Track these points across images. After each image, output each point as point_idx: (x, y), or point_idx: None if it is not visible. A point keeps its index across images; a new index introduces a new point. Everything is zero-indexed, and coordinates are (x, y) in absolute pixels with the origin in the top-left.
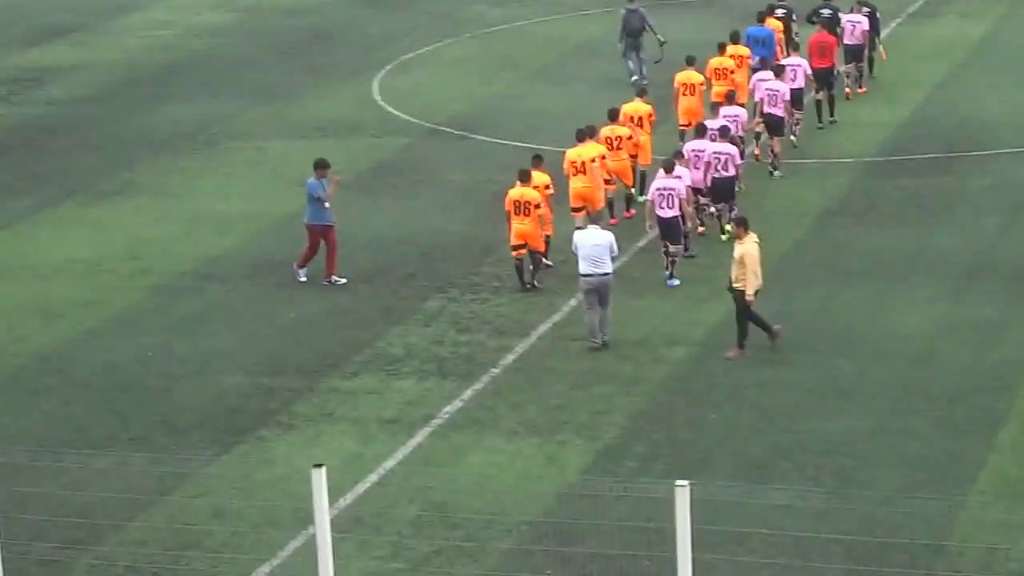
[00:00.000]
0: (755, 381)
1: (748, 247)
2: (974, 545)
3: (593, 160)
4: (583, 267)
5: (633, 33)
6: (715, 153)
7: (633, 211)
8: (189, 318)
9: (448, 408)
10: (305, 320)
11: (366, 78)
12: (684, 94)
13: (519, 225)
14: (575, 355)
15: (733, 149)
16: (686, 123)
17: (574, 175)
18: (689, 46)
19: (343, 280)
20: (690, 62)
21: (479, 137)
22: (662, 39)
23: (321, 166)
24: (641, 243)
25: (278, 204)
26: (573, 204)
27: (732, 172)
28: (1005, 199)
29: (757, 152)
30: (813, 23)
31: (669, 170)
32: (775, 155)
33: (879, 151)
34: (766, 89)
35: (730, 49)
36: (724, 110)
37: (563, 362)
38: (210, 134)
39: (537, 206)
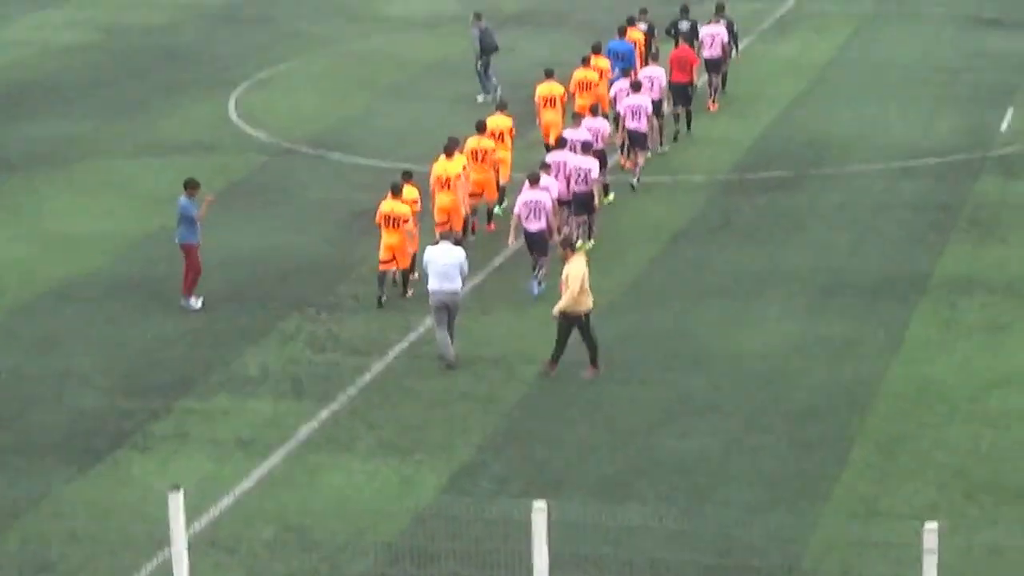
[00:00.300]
0: (610, 399)
1: (574, 267)
2: (828, 564)
3: (459, 176)
4: (433, 283)
5: (488, 51)
6: (576, 167)
7: (494, 225)
8: (44, 339)
9: (304, 428)
10: (161, 340)
11: (221, 97)
12: (545, 107)
13: (388, 239)
14: (431, 374)
15: (593, 163)
16: (548, 135)
17: (440, 190)
18: (544, 64)
19: (199, 304)
20: (550, 74)
21: (335, 156)
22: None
23: (192, 185)
24: (496, 262)
25: (133, 224)
26: (438, 219)
27: (591, 186)
28: (857, 216)
29: (623, 161)
30: (672, 36)
31: (535, 182)
32: (638, 168)
33: (732, 169)
34: (628, 105)
35: (593, 61)
36: (587, 122)
37: (419, 381)
38: (65, 154)
39: (406, 221)
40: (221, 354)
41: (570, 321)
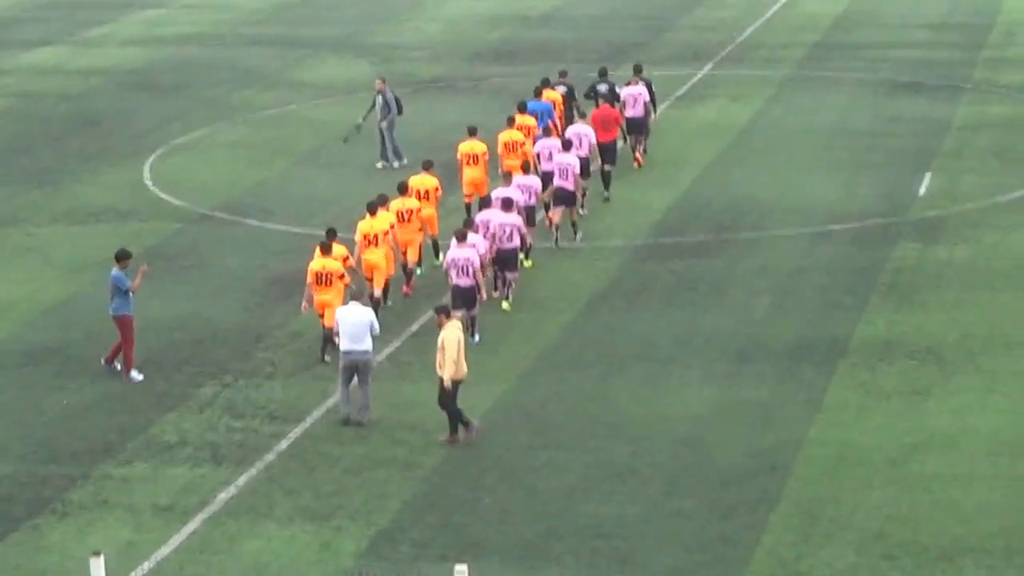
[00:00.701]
0: (529, 464)
1: (448, 333)
2: None
3: (386, 233)
4: (343, 344)
5: (391, 117)
6: (501, 224)
7: (410, 289)
8: None
9: (223, 495)
10: (78, 407)
11: (137, 163)
12: (468, 164)
13: (321, 296)
14: (349, 440)
15: (518, 220)
16: (470, 194)
17: (367, 247)
18: (459, 129)
19: (140, 376)
20: (472, 132)
21: (251, 222)
22: (359, 122)
23: (123, 257)
24: (414, 327)
25: (49, 290)
26: (366, 274)
27: (516, 243)
28: (775, 280)
29: (550, 217)
30: (591, 98)
31: (462, 239)
32: (573, 225)
33: (649, 233)
34: (556, 163)
35: (518, 119)
36: (518, 179)
37: (337, 447)
38: None
39: (341, 276)
40: (139, 421)
41: (456, 385)
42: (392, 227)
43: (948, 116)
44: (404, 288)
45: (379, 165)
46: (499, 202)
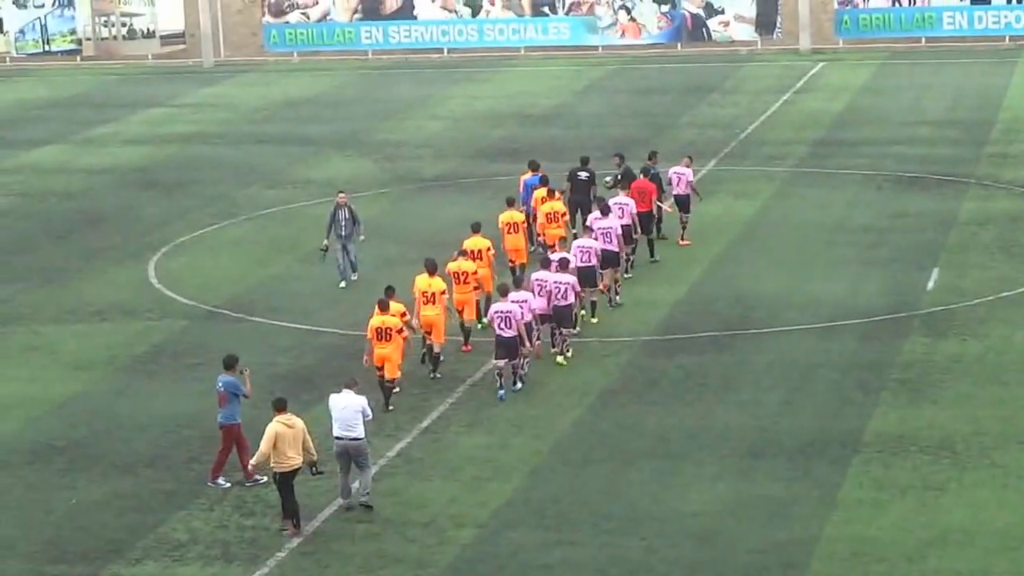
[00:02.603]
0: (543, 562)
1: (269, 426)
2: None
3: (443, 292)
4: (335, 430)
5: (348, 233)
6: (556, 282)
7: (470, 346)
8: None
9: None
10: (86, 505)
11: (142, 261)
12: (509, 233)
13: (381, 350)
14: (361, 538)
15: (572, 279)
16: (512, 260)
17: (424, 304)
18: (463, 226)
19: (265, 478)
20: (510, 203)
21: (256, 319)
22: (324, 245)
23: (234, 363)
24: (425, 423)
25: (55, 388)
26: (424, 329)
27: (571, 300)
28: (785, 375)
29: (602, 287)
30: (570, 183)
31: (504, 294)
32: (616, 286)
33: (658, 329)
34: (598, 229)
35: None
36: (578, 242)
37: (350, 545)
38: None
39: (400, 331)
40: (148, 519)
41: (285, 477)
42: (443, 292)
43: (953, 212)
44: (464, 347)
45: (342, 284)
46: (554, 264)
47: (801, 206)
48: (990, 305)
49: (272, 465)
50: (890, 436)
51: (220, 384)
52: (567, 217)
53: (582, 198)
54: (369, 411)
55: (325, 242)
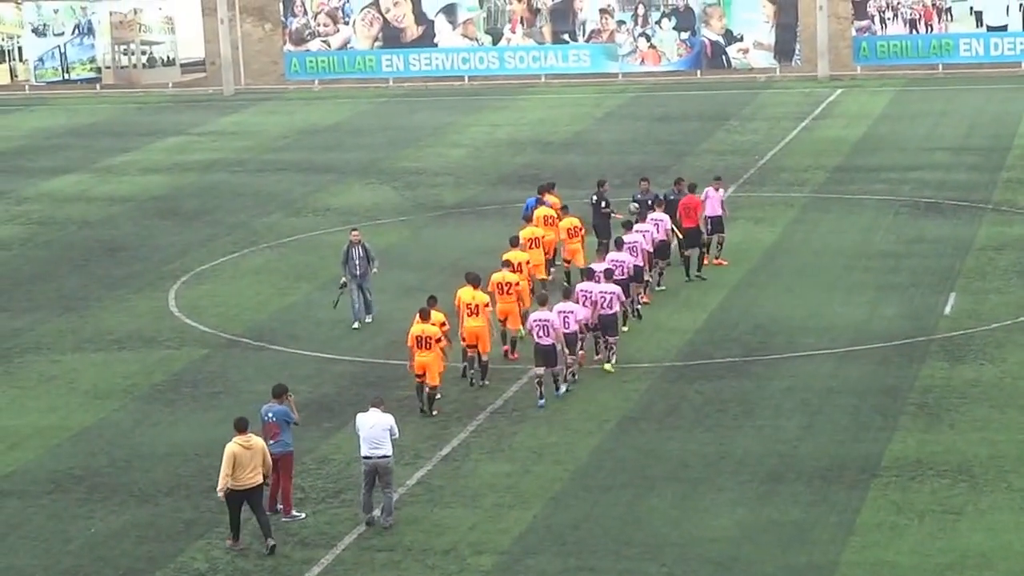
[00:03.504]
0: None
1: (227, 446)
2: None
3: (487, 304)
4: (363, 449)
5: (362, 272)
6: (601, 292)
7: (517, 354)
8: None
9: None
10: (105, 535)
11: (161, 289)
12: (530, 248)
13: (421, 358)
14: (380, 566)
15: (616, 288)
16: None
17: (468, 316)
18: (486, 252)
19: (304, 515)
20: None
21: (277, 348)
22: (342, 282)
23: (284, 391)
24: (445, 450)
25: (74, 417)
26: (469, 342)
27: (616, 309)
28: (805, 400)
29: (644, 299)
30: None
31: (543, 303)
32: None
33: (678, 356)
34: (627, 243)
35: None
36: (611, 256)
37: (369, 573)
38: (3, 348)
39: (439, 340)
40: (168, 548)
41: (238, 497)
42: (486, 305)
43: (970, 237)
44: (512, 356)
45: (355, 326)
46: (600, 275)
47: (819, 232)
48: (1007, 330)
49: (230, 484)
50: (908, 460)
51: (271, 414)
52: (583, 231)
53: (597, 221)
54: (396, 429)
55: (343, 279)
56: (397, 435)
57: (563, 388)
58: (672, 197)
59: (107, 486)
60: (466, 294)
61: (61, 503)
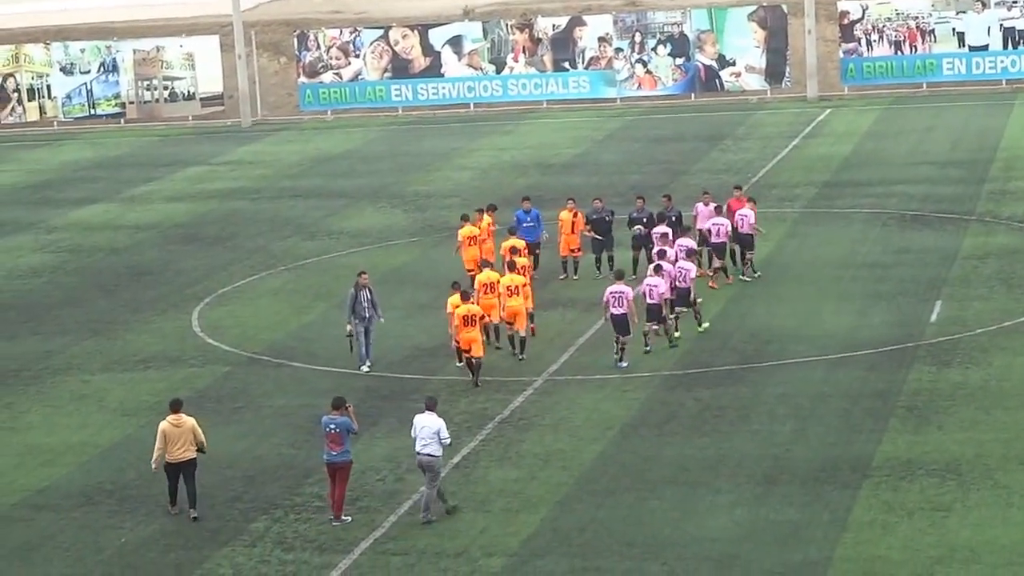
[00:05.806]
0: None
1: (161, 425)
2: None
3: (525, 284)
4: (416, 445)
5: (368, 315)
6: (679, 268)
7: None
8: (20, 548)
9: None
10: (134, 544)
11: (185, 311)
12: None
13: (467, 334)
14: (396, 570)
15: (691, 265)
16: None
17: (509, 296)
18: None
19: (350, 518)
20: (512, 232)
21: (296, 364)
22: (348, 331)
23: (343, 403)
24: (456, 459)
25: (104, 434)
26: (507, 319)
27: (689, 284)
28: (798, 405)
29: (712, 284)
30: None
31: (620, 278)
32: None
33: (676, 365)
34: (711, 224)
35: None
36: (681, 241)
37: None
38: (36, 370)
39: (482, 317)
40: (193, 556)
41: (174, 470)
42: (524, 285)
43: (955, 247)
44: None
45: (364, 369)
46: (682, 251)
47: (811, 244)
48: (991, 335)
49: (167, 458)
50: (898, 461)
51: (332, 425)
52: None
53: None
54: (446, 434)
55: (349, 327)
56: (447, 439)
57: (625, 362)
58: (669, 214)
59: (135, 499)
60: (505, 279)
61: (92, 515)
